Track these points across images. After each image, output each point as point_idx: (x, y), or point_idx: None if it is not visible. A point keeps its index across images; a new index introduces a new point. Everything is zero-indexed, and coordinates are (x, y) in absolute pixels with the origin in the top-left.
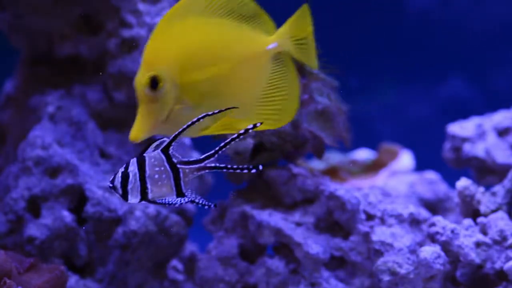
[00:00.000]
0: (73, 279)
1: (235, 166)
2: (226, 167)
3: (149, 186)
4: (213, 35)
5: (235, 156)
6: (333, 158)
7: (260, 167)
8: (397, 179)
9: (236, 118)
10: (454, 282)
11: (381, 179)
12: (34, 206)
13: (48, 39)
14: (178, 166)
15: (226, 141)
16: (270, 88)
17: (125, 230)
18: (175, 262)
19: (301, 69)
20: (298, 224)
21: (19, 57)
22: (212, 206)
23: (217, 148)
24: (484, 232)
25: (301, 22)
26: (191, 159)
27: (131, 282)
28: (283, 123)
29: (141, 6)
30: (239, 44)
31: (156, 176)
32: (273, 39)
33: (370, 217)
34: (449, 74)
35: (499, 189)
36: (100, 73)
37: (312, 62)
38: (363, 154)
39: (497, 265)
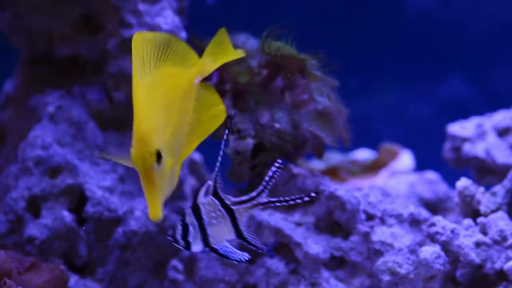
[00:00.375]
0: (73, 279)
1: (287, 198)
2: (279, 201)
3: (209, 233)
4: (169, 94)
5: (235, 156)
6: (333, 158)
7: (313, 194)
8: (397, 179)
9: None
10: (454, 282)
11: (381, 179)
12: (34, 206)
13: (48, 39)
14: (232, 207)
15: (270, 175)
16: (199, 108)
17: (125, 230)
18: (175, 262)
19: (302, 69)
20: (298, 224)
21: (19, 57)
22: (265, 250)
23: (264, 183)
24: (484, 232)
25: (217, 46)
26: (243, 198)
27: (131, 282)
28: (213, 128)
29: (141, 6)
30: (176, 88)
31: (214, 221)
32: (196, 74)
33: (370, 217)
34: (449, 74)
35: (499, 189)
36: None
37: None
38: (363, 154)
39: (497, 265)
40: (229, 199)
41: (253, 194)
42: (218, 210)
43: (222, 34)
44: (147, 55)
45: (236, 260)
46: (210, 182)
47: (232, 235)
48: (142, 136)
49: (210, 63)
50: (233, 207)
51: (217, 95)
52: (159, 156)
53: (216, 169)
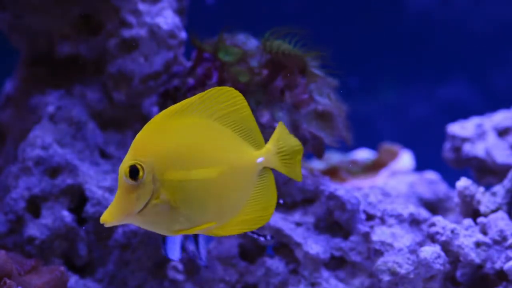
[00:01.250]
0: (73, 279)
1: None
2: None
3: None
4: (207, 139)
5: None
6: (333, 158)
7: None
8: (397, 179)
9: (215, 225)
10: (454, 282)
11: (381, 179)
12: (34, 206)
13: (48, 39)
14: None
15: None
16: (252, 200)
17: (125, 230)
18: (175, 262)
19: (302, 69)
20: (298, 224)
21: (19, 57)
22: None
23: None
24: (484, 232)
25: (284, 138)
26: None
27: (131, 282)
28: (257, 227)
29: (141, 6)
30: (231, 153)
31: None
32: (261, 154)
33: (370, 217)
34: (449, 74)
35: (499, 189)
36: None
37: (298, 176)
38: (363, 154)
39: (497, 265)
40: None
41: None
42: None
43: (282, 127)
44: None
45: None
46: None
47: None
48: (133, 148)
49: (274, 156)
50: None
51: (275, 195)
52: (134, 170)
53: None
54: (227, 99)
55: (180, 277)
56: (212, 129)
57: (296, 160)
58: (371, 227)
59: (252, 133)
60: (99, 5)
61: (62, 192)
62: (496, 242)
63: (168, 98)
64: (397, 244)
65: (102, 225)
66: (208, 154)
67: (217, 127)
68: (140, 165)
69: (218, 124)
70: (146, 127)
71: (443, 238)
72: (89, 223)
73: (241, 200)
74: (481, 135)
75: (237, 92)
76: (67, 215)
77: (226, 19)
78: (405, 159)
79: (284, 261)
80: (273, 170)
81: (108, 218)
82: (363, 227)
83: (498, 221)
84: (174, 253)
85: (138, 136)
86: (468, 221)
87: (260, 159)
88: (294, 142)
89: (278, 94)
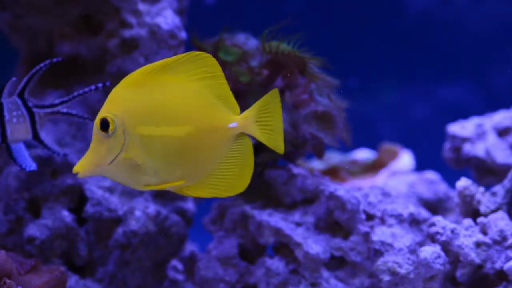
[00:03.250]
0: (73, 279)
1: (85, 115)
2: (77, 115)
3: (8, 129)
4: (180, 98)
5: None
6: (333, 158)
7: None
8: (397, 179)
9: (184, 183)
10: (454, 282)
11: (381, 179)
12: (34, 206)
13: (48, 39)
14: (34, 110)
15: (81, 92)
16: (224, 164)
17: (125, 230)
18: (175, 262)
19: (302, 69)
20: (298, 224)
21: (19, 57)
22: (62, 155)
23: (70, 96)
24: (484, 232)
25: (268, 107)
26: (46, 103)
27: (131, 282)
28: (229, 195)
29: (141, 6)
30: (203, 115)
31: (14, 120)
32: (235, 119)
33: (370, 217)
34: (449, 74)
35: (499, 189)
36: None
37: (278, 147)
38: (363, 154)
39: (497, 265)
40: (33, 102)
41: (56, 101)
42: (20, 110)
43: (273, 94)
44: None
45: (21, 166)
46: (14, 79)
47: (29, 136)
48: (107, 101)
49: (252, 123)
50: (34, 110)
51: (251, 164)
52: (105, 123)
53: (33, 71)
54: (204, 64)
55: (180, 277)
56: (186, 90)
57: (278, 131)
58: (371, 227)
59: (228, 100)
60: (99, 5)
61: (62, 192)
62: (496, 242)
63: None
64: (397, 244)
65: (102, 225)
66: (179, 113)
67: (193, 89)
68: (112, 118)
69: (194, 85)
70: (122, 82)
71: (443, 238)
72: (89, 223)
73: (211, 162)
74: (481, 135)
75: (214, 60)
76: (67, 215)
77: (226, 19)
78: (405, 159)
79: (284, 261)
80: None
81: (80, 168)
82: (363, 227)
83: (498, 221)
84: (30, 164)
85: (113, 90)
86: (468, 221)
87: (232, 124)
88: (277, 117)
89: None
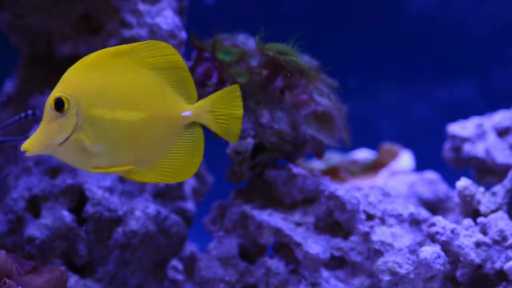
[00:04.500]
0: (73, 279)
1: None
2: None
3: None
4: (136, 84)
5: (235, 156)
6: (333, 158)
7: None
8: (397, 179)
9: (133, 168)
10: (454, 282)
11: (381, 179)
12: (34, 206)
13: (48, 39)
14: None
15: (13, 120)
16: (175, 151)
17: (125, 230)
18: (175, 262)
19: (302, 69)
20: (298, 224)
21: (19, 57)
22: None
23: (2, 125)
24: (484, 232)
25: (226, 100)
26: None
27: (131, 282)
28: (177, 181)
29: (141, 6)
30: (157, 101)
31: None
32: (189, 108)
33: (370, 217)
34: (449, 74)
35: (499, 189)
36: None
37: (232, 138)
38: (363, 154)
39: (497, 265)
40: None
41: None
42: None
43: (234, 89)
44: (155, 58)
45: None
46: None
47: None
48: (62, 80)
49: (206, 113)
50: None
51: (200, 153)
52: (59, 103)
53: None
54: (162, 53)
55: (180, 277)
56: (143, 76)
57: (234, 122)
58: (371, 227)
59: (187, 89)
60: (99, 5)
61: (62, 192)
62: (496, 242)
63: None
64: (397, 244)
65: (102, 225)
66: (134, 98)
67: (150, 76)
68: (67, 98)
69: (152, 73)
70: (78, 63)
71: (443, 238)
72: (89, 223)
73: (161, 149)
74: (481, 135)
75: (173, 49)
76: (67, 215)
77: (226, 19)
78: (405, 159)
79: (284, 261)
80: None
81: (29, 146)
82: (363, 227)
83: (498, 221)
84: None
85: (69, 70)
86: (468, 221)
87: (186, 113)
88: (236, 110)
89: (278, 94)
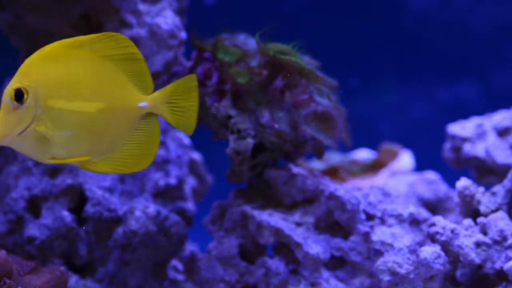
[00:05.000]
0: (73, 279)
1: None
2: None
3: None
4: (94, 75)
5: (235, 156)
6: (333, 158)
7: None
8: (397, 179)
9: (91, 159)
10: (454, 282)
11: (381, 179)
12: (34, 206)
13: (48, 39)
14: None
15: None
16: (131, 142)
17: (125, 230)
18: (175, 262)
19: (302, 69)
20: (298, 224)
21: (19, 57)
22: None
23: None
24: (484, 232)
25: (183, 91)
26: None
27: (131, 282)
28: (132, 171)
29: (141, 6)
30: (114, 92)
31: None
32: (145, 99)
33: (370, 217)
34: (449, 74)
35: (499, 189)
36: None
37: (188, 130)
38: (363, 154)
39: (497, 265)
40: None
41: None
42: None
43: (190, 79)
44: (112, 49)
45: None
46: None
47: None
48: (20, 71)
49: (161, 104)
50: None
51: (156, 143)
52: (19, 93)
53: None
54: (119, 44)
55: (180, 277)
56: (101, 67)
57: (190, 114)
58: (371, 227)
59: (143, 80)
60: (99, 5)
61: (62, 192)
62: (496, 242)
63: None
64: (397, 244)
65: (102, 225)
66: (92, 89)
67: (107, 66)
68: (26, 88)
69: (109, 64)
70: (36, 54)
71: (443, 238)
72: (89, 223)
73: (118, 140)
74: (481, 135)
75: (129, 41)
76: (67, 215)
77: (226, 19)
78: (405, 159)
79: (284, 261)
80: None
81: None
82: (363, 227)
83: (498, 221)
84: None
85: (27, 60)
86: (468, 221)
87: (142, 104)
88: (192, 102)
89: (278, 94)
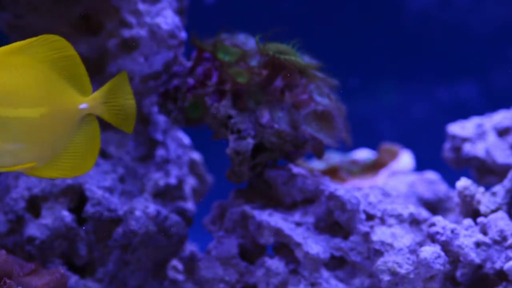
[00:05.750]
0: (73, 279)
1: None
2: None
3: None
4: (34, 80)
5: (235, 156)
6: (333, 158)
7: None
8: (397, 179)
9: (36, 164)
10: (454, 282)
11: (381, 179)
12: (34, 206)
13: None
14: None
15: None
16: (73, 144)
17: (125, 230)
18: (175, 262)
19: (302, 67)
20: (298, 224)
21: None
22: None
23: None
24: (484, 232)
25: (117, 89)
26: None
27: (131, 282)
28: (77, 175)
29: (141, 6)
30: (55, 96)
31: None
32: (85, 101)
33: (370, 217)
34: (449, 74)
35: (499, 189)
36: (102, 74)
37: (127, 128)
38: (363, 154)
39: (497, 265)
40: None
41: None
42: None
43: (122, 77)
44: (49, 53)
45: None
46: None
47: None
48: None
49: (100, 105)
50: None
51: (97, 145)
52: None
53: None
54: (56, 47)
55: (180, 277)
56: (40, 72)
57: (127, 111)
58: (371, 227)
59: (81, 81)
60: (99, 5)
61: (62, 192)
62: (496, 242)
63: (168, 98)
64: (397, 244)
65: (102, 225)
66: (34, 94)
67: (46, 70)
68: None
69: (47, 68)
70: None
71: (443, 238)
72: (89, 223)
73: (60, 144)
74: (481, 135)
75: (66, 43)
76: (67, 215)
77: (226, 19)
78: (405, 159)
79: (284, 261)
80: None
81: None
82: (363, 227)
83: (498, 221)
84: None
85: None
86: (468, 221)
87: (83, 106)
88: (128, 99)
89: (278, 94)
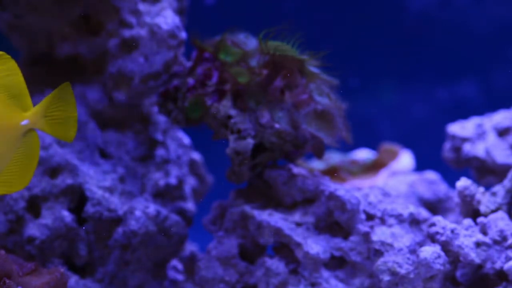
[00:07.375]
0: (73, 279)
1: None
2: None
3: None
4: None
5: (235, 156)
6: (333, 158)
7: None
8: (397, 179)
9: None
10: (454, 282)
11: (381, 179)
12: (34, 206)
13: (48, 39)
14: None
15: None
16: (15, 160)
17: (125, 230)
18: (175, 262)
19: (301, 69)
20: (298, 224)
21: (19, 57)
22: None
23: None
24: (484, 232)
25: (59, 101)
26: None
27: (131, 282)
28: (18, 190)
29: (141, 6)
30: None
31: None
32: (27, 116)
33: (370, 217)
34: (449, 74)
35: (499, 189)
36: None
37: (67, 138)
38: (363, 154)
39: (497, 265)
40: None
41: None
42: None
43: (65, 89)
44: None
45: None
46: None
47: None
48: None
49: (41, 119)
50: None
51: (35, 159)
52: None
53: None
54: (3, 68)
55: (180, 277)
56: None
57: (68, 122)
58: (371, 227)
59: (21, 97)
60: (99, 5)
61: (62, 192)
62: (496, 242)
63: (168, 98)
64: (397, 244)
65: (102, 225)
66: None
67: None
68: None
69: None
70: None
71: (443, 238)
72: (89, 223)
73: (5, 160)
74: (481, 135)
75: (7, 57)
76: (67, 215)
77: (226, 19)
78: (405, 159)
79: (284, 261)
80: None
81: None
82: (363, 227)
83: (498, 221)
84: None
85: None
86: (468, 221)
87: (24, 122)
88: (70, 111)
89: (278, 94)
